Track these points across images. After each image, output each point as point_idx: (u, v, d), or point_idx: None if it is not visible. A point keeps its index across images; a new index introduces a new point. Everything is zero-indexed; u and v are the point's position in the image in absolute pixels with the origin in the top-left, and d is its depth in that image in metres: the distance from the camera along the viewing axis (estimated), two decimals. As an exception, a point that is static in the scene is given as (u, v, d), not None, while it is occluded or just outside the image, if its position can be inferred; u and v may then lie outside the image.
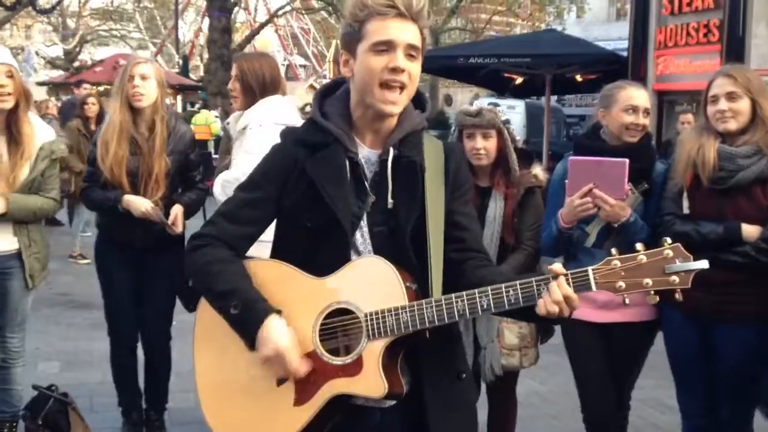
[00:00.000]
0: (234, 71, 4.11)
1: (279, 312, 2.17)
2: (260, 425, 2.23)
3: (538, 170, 3.95)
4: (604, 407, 3.66)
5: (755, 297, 3.32)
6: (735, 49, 13.95)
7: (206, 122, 17.75)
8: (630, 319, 3.54)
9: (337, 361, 2.14)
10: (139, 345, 4.57)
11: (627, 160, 3.33)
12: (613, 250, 2.04)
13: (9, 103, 3.89)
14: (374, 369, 2.09)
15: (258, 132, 3.89)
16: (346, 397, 2.15)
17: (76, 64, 35.99)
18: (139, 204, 4.17)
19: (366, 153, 2.26)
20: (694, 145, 3.44)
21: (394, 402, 2.18)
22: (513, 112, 18.44)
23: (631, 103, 3.56)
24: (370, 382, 2.10)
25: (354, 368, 2.12)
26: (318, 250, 2.21)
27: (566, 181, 3.45)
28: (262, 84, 4.05)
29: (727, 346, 3.41)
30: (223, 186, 3.86)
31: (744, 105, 3.34)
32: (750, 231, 3.29)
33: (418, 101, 2.32)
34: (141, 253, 4.33)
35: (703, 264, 1.97)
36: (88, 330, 6.72)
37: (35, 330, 6.16)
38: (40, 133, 4.08)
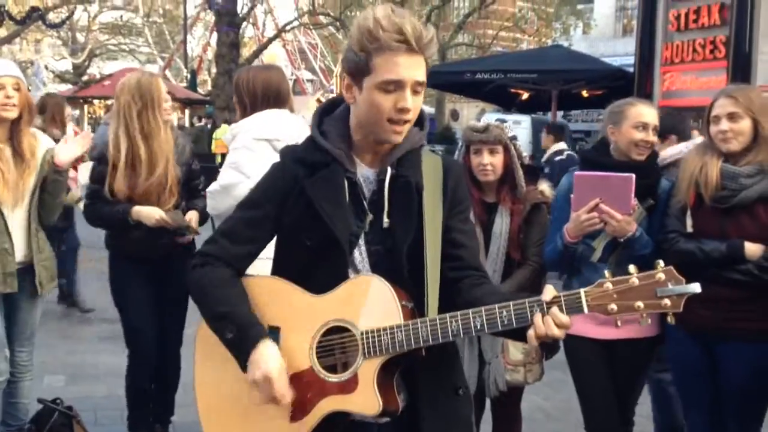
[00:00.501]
0: (233, 84, 4.13)
1: (276, 333, 2.20)
2: None
3: (545, 186, 3.96)
4: (607, 423, 3.65)
5: (759, 314, 3.32)
6: (741, 66, 13.94)
7: None
8: (633, 336, 3.53)
9: (333, 378, 2.16)
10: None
11: (633, 176, 3.34)
12: (606, 273, 2.05)
13: (13, 113, 3.93)
14: (369, 387, 2.11)
15: (235, 146, 3.94)
16: (343, 414, 2.16)
17: (85, 78, 36.22)
18: (151, 213, 4.16)
19: (365, 172, 2.27)
20: (697, 164, 3.45)
21: (389, 419, 2.19)
22: (519, 127, 18.44)
23: (642, 120, 3.57)
24: (365, 400, 2.12)
25: (350, 385, 2.14)
26: (316, 268, 2.23)
27: (572, 195, 3.46)
28: (253, 96, 4.00)
29: (732, 364, 3.41)
30: (210, 195, 3.92)
31: (745, 125, 3.35)
32: (753, 249, 3.29)
33: (417, 118, 2.32)
34: (157, 265, 4.34)
35: (695, 288, 1.97)
36: (94, 343, 6.73)
37: (41, 344, 6.15)
38: (42, 142, 4.13)
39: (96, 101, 29.08)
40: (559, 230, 3.53)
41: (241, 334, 2.17)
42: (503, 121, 4.06)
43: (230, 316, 2.19)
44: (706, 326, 3.35)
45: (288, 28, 35.41)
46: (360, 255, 2.24)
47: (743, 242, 3.30)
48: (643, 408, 3.93)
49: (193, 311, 4.39)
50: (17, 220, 3.99)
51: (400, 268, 2.20)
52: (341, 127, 2.28)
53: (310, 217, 2.21)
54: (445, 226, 2.26)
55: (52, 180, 4.02)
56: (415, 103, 2.16)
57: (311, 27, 37.21)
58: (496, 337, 3.62)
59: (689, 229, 3.43)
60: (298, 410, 2.19)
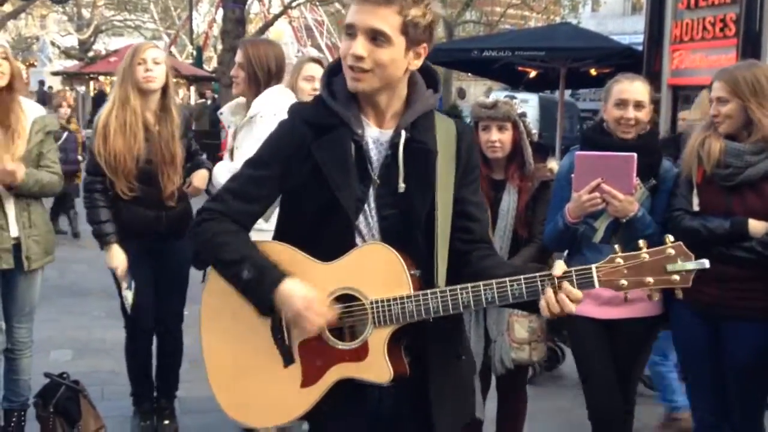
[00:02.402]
0: (239, 58, 4.05)
1: None
2: (268, 407, 2.28)
3: (554, 164, 3.94)
4: (609, 404, 3.65)
5: (764, 293, 3.31)
6: (751, 44, 13.84)
7: None
8: (635, 315, 3.53)
9: (343, 345, 2.18)
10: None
11: (635, 155, 3.31)
12: (617, 247, 2.06)
13: (2, 81, 3.91)
14: (380, 355, 2.14)
15: (271, 121, 3.89)
16: (349, 379, 2.18)
17: (91, 54, 36.08)
18: (112, 259, 4.19)
19: (375, 134, 2.25)
20: (699, 138, 3.45)
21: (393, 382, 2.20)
22: (526, 105, 18.34)
23: (621, 96, 3.55)
24: (376, 368, 2.14)
25: (360, 353, 2.16)
26: (321, 233, 2.22)
27: (572, 175, 3.44)
28: (268, 73, 4.02)
29: (737, 343, 3.40)
30: (233, 174, 3.84)
31: (731, 109, 3.35)
32: (757, 226, 3.29)
33: (430, 80, 2.29)
34: (157, 242, 4.33)
35: (704, 263, 1.99)
36: (101, 318, 6.76)
37: (49, 318, 6.21)
38: (30, 110, 4.08)
39: (102, 77, 29.00)
40: (560, 210, 3.51)
41: (260, 272, 2.16)
42: (512, 97, 4.01)
43: (246, 259, 2.18)
44: (712, 305, 3.35)
45: (294, 4, 35.20)
46: (366, 221, 2.23)
47: (747, 219, 3.30)
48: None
49: (193, 291, 4.44)
50: (7, 194, 3.95)
51: (415, 233, 2.19)
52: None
53: (315, 180, 2.19)
54: (456, 196, 2.25)
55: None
56: (374, 54, 2.11)
57: (317, 3, 36.98)
58: (504, 309, 3.64)
59: (695, 207, 3.42)
60: (309, 376, 2.20)
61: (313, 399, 2.20)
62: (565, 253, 3.75)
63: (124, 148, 4.11)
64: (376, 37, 2.10)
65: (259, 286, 2.16)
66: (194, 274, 4.53)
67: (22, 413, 4.30)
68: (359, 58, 2.11)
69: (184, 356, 4.66)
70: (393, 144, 2.22)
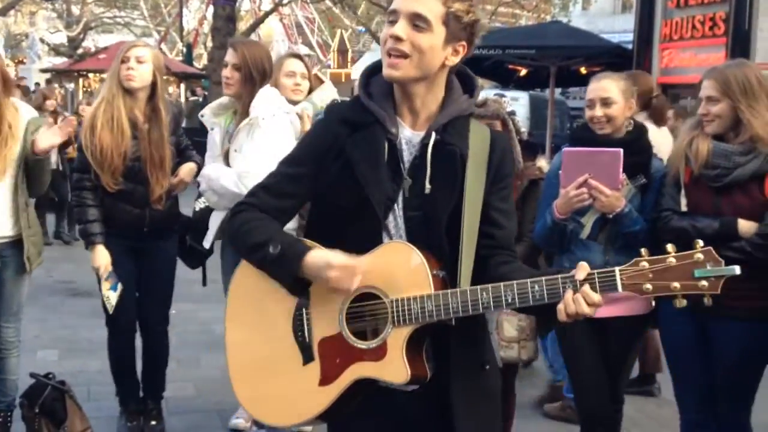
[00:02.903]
0: (233, 59, 4.03)
1: (306, 298, 2.21)
2: (286, 403, 2.27)
3: (543, 162, 3.94)
4: (599, 401, 3.65)
5: (752, 293, 3.30)
6: (740, 43, 13.91)
7: None
8: (624, 314, 3.53)
9: (362, 344, 2.16)
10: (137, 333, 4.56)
11: (621, 150, 3.32)
12: (643, 251, 1.99)
13: None
14: (398, 355, 2.11)
15: (271, 123, 3.91)
16: (370, 380, 2.16)
17: (80, 51, 35.96)
18: (96, 259, 4.17)
19: (408, 134, 2.24)
20: (687, 137, 3.45)
21: (417, 386, 2.19)
22: (517, 103, 18.38)
23: (588, 97, 3.61)
24: (394, 368, 2.12)
25: (378, 353, 2.14)
26: (350, 231, 2.21)
27: (560, 172, 3.44)
28: (262, 73, 4.03)
29: (724, 342, 3.41)
30: (241, 177, 3.83)
31: (721, 108, 3.34)
32: (746, 227, 3.28)
33: (466, 85, 2.28)
34: (141, 241, 4.31)
35: (734, 270, 1.91)
36: (88, 318, 6.70)
37: (35, 318, 6.18)
38: (25, 111, 4.07)
39: (91, 74, 28.90)
40: (549, 207, 3.51)
41: (285, 248, 2.15)
42: (501, 96, 4.01)
43: (273, 238, 2.18)
44: (699, 304, 3.33)
45: (285, 1, 35.17)
46: (395, 220, 2.22)
47: (737, 219, 3.30)
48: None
49: (179, 290, 4.42)
50: (1, 193, 3.94)
51: (438, 235, 2.18)
52: (386, 86, 2.24)
53: (347, 178, 2.19)
54: (485, 201, 2.23)
55: (32, 160, 3.97)
56: (414, 38, 2.12)
57: (308, 1, 36.97)
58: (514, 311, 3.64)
59: (684, 207, 3.42)
60: (327, 375, 2.20)
61: (331, 398, 2.19)
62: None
63: (111, 144, 4.09)
64: (418, 22, 2.11)
65: (284, 261, 2.15)
66: (184, 273, 4.54)
67: (9, 414, 4.27)
68: (398, 39, 2.11)
69: (171, 357, 4.64)
70: (423, 145, 2.21)
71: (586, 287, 1.98)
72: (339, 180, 2.21)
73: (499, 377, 2.47)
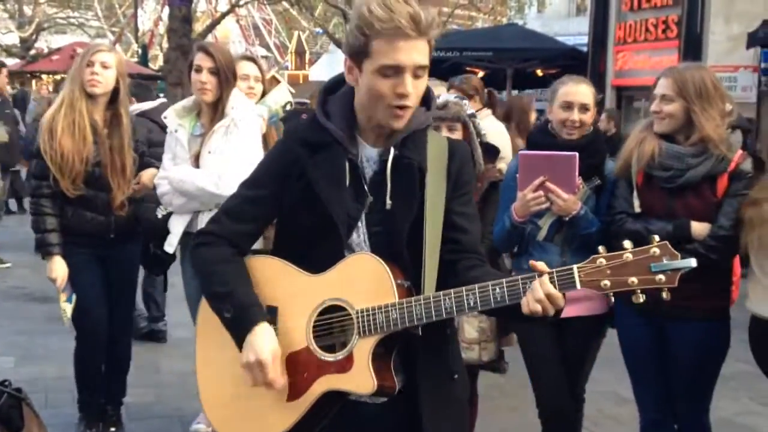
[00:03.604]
0: (209, 63, 3.96)
1: (274, 312, 2.21)
2: (255, 420, 2.26)
3: (503, 165, 3.96)
4: (558, 400, 3.69)
5: (707, 293, 3.36)
6: (693, 46, 14.15)
7: None
8: (582, 313, 3.57)
9: (329, 357, 2.16)
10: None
11: (576, 154, 3.36)
12: (600, 248, 2.01)
13: None
14: (364, 366, 2.11)
15: (249, 124, 3.99)
16: (341, 394, 2.16)
17: (33, 52, 35.35)
18: (53, 271, 4.12)
19: (368, 152, 2.24)
20: (638, 139, 3.49)
21: (386, 399, 2.19)
22: (474, 105, 18.48)
23: (566, 99, 3.60)
24: (360, 379, 2.11)
25: (345, 364, 2.14)
26: (315, 250, 2.22)
27: (517, 175, 3.47)
28: (234, 75, 4.05)
29: (681, 344, 3.45)
30: (221, 178, 3.83)
31: (675, 108, 3.38)
32: (699, 228, 3.33)
33: (424, 98, 2.27)
34: (106, 247, 4.25)
35: (691, 262, 1.94)
36: (44, 324, 6.60)
37: (-11, 324, 6.06)
38: None
39: (44, 76, 28.43)
40: (507, 210, 3.54)
41: (239, 314, 2.17)
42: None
43: (229, 296, 2.19)
44: (655, 305, 3.37)
45: (241, 2, 34.94)
46: (359, 237, 2.23)
47: (689, 222, 3.34)
48: (598, 385, 3.98)
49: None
50: None
51: (399, 249, 2.18)
52: (345, 106, 2.23)
53: (309, 198, 2.19)
54: (447, 208, 2.24)
55: None
56: (417, 87, 2.12)
57: (265, 2, 36.77)
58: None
59: (637, 209, 3.46)
60: (295, 390, 2.19)
61: (300, 412, 2.19)
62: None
63: (72, 149, 4.03)
64: (419, 72, 2.10)
65: (236, 328, 2.19)
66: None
67: (-38, 423, 4.19)
68: (408, 95, 2.10)
69: (131, 362, 4.59)
70: (382, 161, 2.22)
71: (544, 278, 1.98)
72: (302, 201, 2.22)
73: (468, 386, 2.48)
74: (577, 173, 3.36)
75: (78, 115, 4.06)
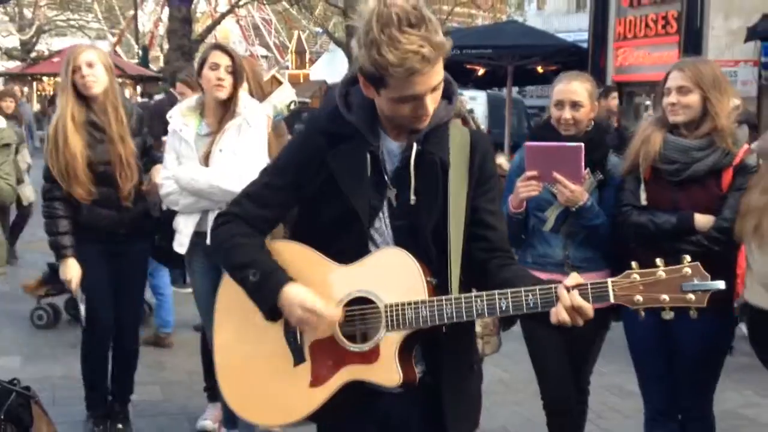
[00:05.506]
0: (227, 61, 4.00)
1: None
2: (275, 403, 2.28)
3: (502, 160, 4.00)
4: (563, 393, 3.71)
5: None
6: (693, 41, 14.15)
7: None
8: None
9: (355, 348, 2.18)
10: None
11: (582, 145, 3.37)
12: (633, 264, 2.05)
13: None
14: (390, 359, 2.14)
15: (263, 122, 4.07)
16: (360, 382, 2.19)
17: (33, 54, 35.42)
18: (67, 272, 4.15)
19: (389, 145, 2.25)
20: (641, 136, 3.52)
21: (403, 389, 2.21)
22: (475, 103, 18.51)
23: (558, 97, 3.64)
24: (386, 372, 2.14)
25: (371, 356, 2.16)
26: (336, 241, 2.23)
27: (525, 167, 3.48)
28: (243, 75, 4.11)
29: (687, 336, 3.46)
30: (241, 178, 3.83)
31: (693, 99, 3.40)
32: (702, 221, 3.36)
33: (445, 91, 2.26)
34: (115, 243, 4.27)
35: (720, 284, 2.00)
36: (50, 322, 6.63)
37: (-4, 324, 6.09)
38: None
39: (45, 78, 28.48)
40: (506, 203, 3.56)
41: (265, 277, 2.18)
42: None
43: (253, 263, 2.20)
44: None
45: (241, 2, 34.96)
46: (380, 230, 2.24)
47: (693, 214, 3.36)
48: (602, 378, 3.99)
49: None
50: None
51: (424, 245, 2.20)
52: (366, 99, 2.21)
53: (330, 189, 2.21)
54: (473, 206, 2.25)
55: None
56: (435, 99, 2.13)
57: (265, 2, 36.78)
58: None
59: (643, 202, 3.48)
60: (319, 376, 2.21)
61: (321, 399, 2.21)
62: None
63: (78, 156, 4.06)
64: (436, 89, 2.11)
65: (262, 289, 2.18)
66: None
67: (-28, 421, 4.22)
68: (429, 113, 2.13)
69: (138, 359, 4.62)
70: (404, 156, 2.23)
71: (575, 292, 2.02)
72: (323, 191, 2.23)
73: (482, 375, 2.51)
74: (583, 164, 3.37)
75: (76, 123, 4.08)
